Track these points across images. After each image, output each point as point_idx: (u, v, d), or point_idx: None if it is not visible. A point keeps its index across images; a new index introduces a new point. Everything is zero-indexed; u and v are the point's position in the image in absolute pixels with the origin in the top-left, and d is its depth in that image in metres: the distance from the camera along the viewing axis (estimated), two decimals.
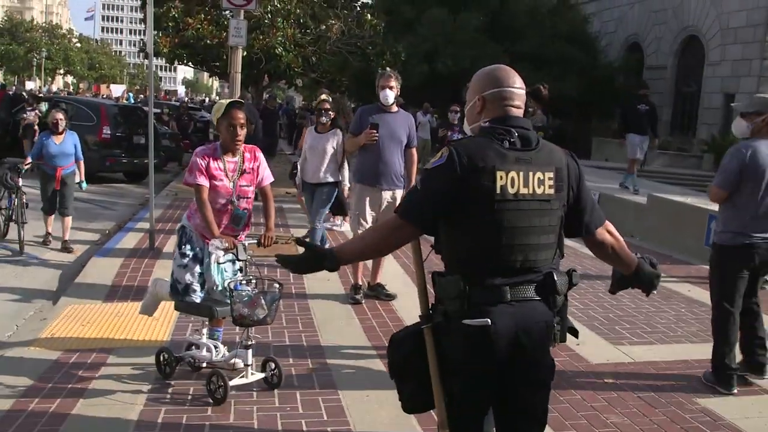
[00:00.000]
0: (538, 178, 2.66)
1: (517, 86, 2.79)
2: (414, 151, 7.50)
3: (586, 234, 2.89)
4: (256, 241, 5.10)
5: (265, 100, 16.00)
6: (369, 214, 7.08)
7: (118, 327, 6.23)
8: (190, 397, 4.84)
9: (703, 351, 5.76)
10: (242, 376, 4.79)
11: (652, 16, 28.63)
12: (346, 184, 8.69)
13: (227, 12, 14.53)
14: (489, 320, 2.64)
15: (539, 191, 2.67)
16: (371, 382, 5.17)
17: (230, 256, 5.02)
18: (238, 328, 5.01)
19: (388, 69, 7.30)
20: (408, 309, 6.76)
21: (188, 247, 5.05)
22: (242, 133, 4.96)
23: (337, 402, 4.81)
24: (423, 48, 23.47)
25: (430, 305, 2.88)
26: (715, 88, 25.77)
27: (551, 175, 2.69)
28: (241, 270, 5.05)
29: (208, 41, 14.88)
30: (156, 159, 18.57)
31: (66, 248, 9.45)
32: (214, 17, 15.19)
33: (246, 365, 4.80)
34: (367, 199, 7.03)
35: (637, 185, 13.62)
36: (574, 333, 2.96)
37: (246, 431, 4.41)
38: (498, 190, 2.62)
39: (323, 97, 10.77)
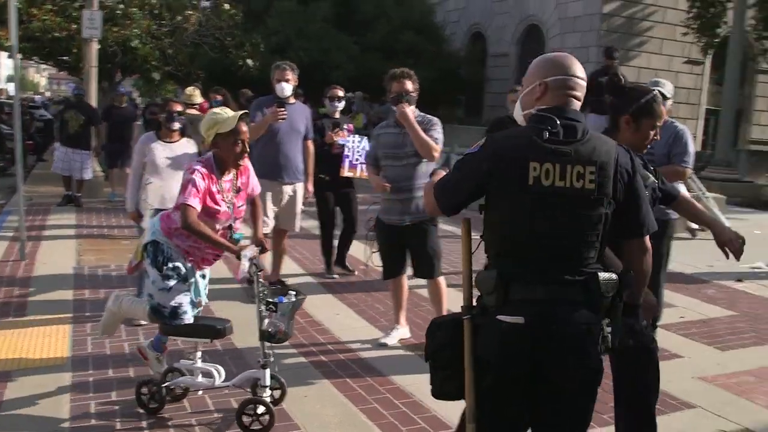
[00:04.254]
0: (578, 171, 2.56)
1: (581, 76, 2.71)
2: (311, 143, 7.39)
3: (634, 236, 2.79)
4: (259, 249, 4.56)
5: (112, 98, 15.03)
6: (271, 210, 6.88)
7: (8, 348, 5.66)
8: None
9: None
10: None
11: (494, 6, 29.56)
12: None
13: (76, 3, 13.72)
14: (523, 318, 2.56)
15: (578, 185, 2.56)
16: (302, 380, 5.03)
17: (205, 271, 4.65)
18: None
19: (284, 62, 7.09)
20: (317, 306, 6.66)
21: (170, 266, 4.40)
22: (248, 149, 4.43)
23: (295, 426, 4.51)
24: (274, 40, 23.18)
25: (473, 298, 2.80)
26: None
27: (593, 169, 2.57)
28: (250, 281, 4.51)
29: (57, 34, 13.98)
30: (1, 162, 17.42)
31: None
32: (62, 8, 14.26)
33: (264, 387, 4.30)
34: (269, 194, 6.80)
35: None
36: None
37: None
38: (530, 181, 2.55)
39: (188, 91, 10.33)
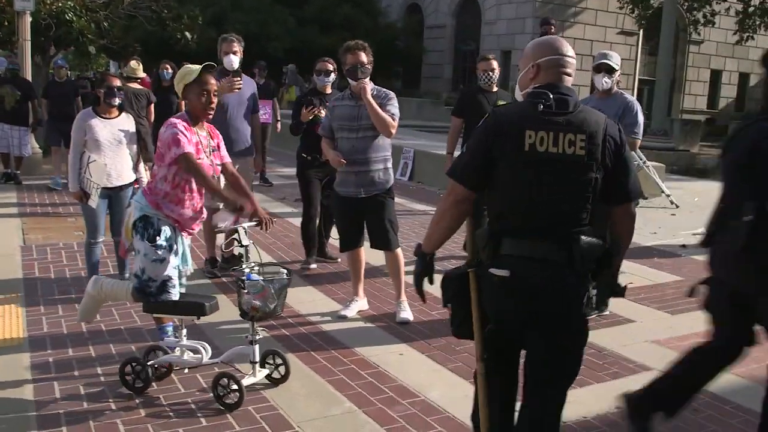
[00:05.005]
0: (569, 139, 2.79)
1: (570, 54, 2.97)
2: (258, 116, 7.34)
3: (622, 202, 2.97)
4: (255, 222, 4.57)
5: (52, 70, 14.58)
6: (221, 184, 6.80)
7: None
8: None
9: None
10: (250, 375, 4.36)
11: None
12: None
13: None
14: (509, 272, 2.78)
15: (569, 151, 2.78)
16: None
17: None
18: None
19: (230, 34, 6.99)
20: None
21: (162, 237, 4.38)
22: (215, 101, 4.47)
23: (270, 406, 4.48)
24: (210, 12, 22.83)
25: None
26: (493, 46, 27.14)
27: (583, 137, 2.79)
28: (241, 257, 4.47)
29: None
30: None
31: None
32: None
33: (253, 363, 4.35)
34: None
35: None
36: (620, 292, 3.10)
37: None
38: (526, 148, 2.79)
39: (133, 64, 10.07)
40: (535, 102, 2.83)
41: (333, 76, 7.06)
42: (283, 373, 4.53)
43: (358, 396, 4.41)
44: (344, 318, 5.80)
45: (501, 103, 6.87)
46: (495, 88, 7.17)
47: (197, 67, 4.43)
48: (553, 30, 11.23)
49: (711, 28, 26.45)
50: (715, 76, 31.62)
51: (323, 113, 6.54)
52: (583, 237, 2.80)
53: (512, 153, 2.80)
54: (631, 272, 7.18)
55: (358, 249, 5.98)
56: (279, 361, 4.55)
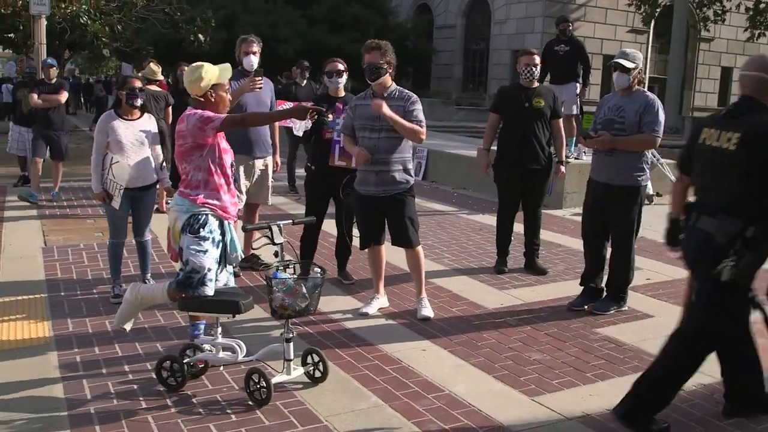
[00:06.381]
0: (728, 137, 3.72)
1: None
2: None
3: None
4: (291, 222, 4.63)
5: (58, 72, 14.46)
6: (243, 185, 6.85)
7: None
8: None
9: (576, 288, 6.24)
10: (282, 372, 4.37)
11: None
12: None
13: None
14: None
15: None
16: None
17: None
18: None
19: (250, 35, 7.03)
20: None
21: (206, 229, 4.41)
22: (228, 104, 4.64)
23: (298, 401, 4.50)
24: (221, 14, 22.91)
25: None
26: (502, 45, 27.17)
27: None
28: (276, 255, 4.49)
29: (2, 10, 13.64)
30: None
31: None
32: None
33: (288, 360, 4.35)
34: (241, 168, 6.76)
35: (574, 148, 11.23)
36: None
37: None
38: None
39: (152, 67, 10.16)
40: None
41: (345, 76, 6.65)
42: (321, 371, 4.53)
43: (383, 391, 4.47)
44: (366, 315, 5.85)
45: (539, 99, 6.91)
46: (535, 84, 7.09)
47: (225, 67, 4.50)
48: (570, 27, 11.21)
49: (721, 25, 26.41)
50: (726, 73, 31.53)
51: (330, 117, 6.35)
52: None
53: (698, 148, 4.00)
54: (647, 268, 7.22)
55: (378, 247, 6.03)
56: (317, 359, 4.55)
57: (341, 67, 6.60)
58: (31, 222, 9.20)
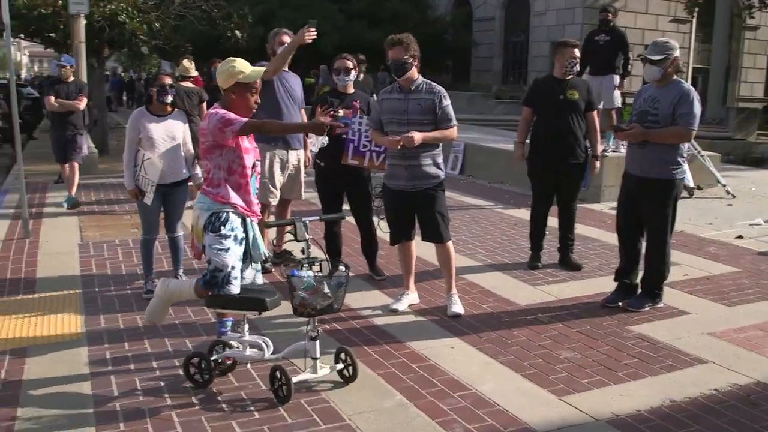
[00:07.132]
0: None
1: None
2: (304, 112, 7.35)
3: None
4: (318, 218, 4.61)
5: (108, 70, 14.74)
6: (278, 180, 6.80)
7: (21, 325, 5.68)
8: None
9: (611, 284, 6.11)
10: (308, 371, 4.37)
11: None
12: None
13: None
14: None
15: None
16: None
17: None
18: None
19: (282, 28, 6.99)
20: None
21: (227, 227, 4.39)
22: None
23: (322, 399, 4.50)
24: (258, 10, 23.01)
25: None
26: (542, 37, 26.87)
27: None
28: (302, 251, 4.45)
29: (42, 11, 13.83)
30: None
31: None
32: None
33: (314, 359, 4.33)
34: (276, 163, 6.72)
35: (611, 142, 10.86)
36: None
37: None
38: None
39: (185, 63, 10.23)
40: None
41: (353, 74, 6.55)
42: (351, 372, 4.48)
43: (409, 389, 4.42)
44: (395, 312, 5.80)
45: (573, 91, 6.79)
46: (570, 76, 6.99)
47: (249, 67, 4.47)
48: (610, 17, 11.00)
49: (766, 13, 25.77)
50: None
51: (341, 112, 6.25)
52: None
53: None
54: (686, 263, 7.06)
55: (408, 242, 5.98)
56: (348, 359, 4.50)
57: (350, 64, 6.54)
58: (69, 219, 9.33)
